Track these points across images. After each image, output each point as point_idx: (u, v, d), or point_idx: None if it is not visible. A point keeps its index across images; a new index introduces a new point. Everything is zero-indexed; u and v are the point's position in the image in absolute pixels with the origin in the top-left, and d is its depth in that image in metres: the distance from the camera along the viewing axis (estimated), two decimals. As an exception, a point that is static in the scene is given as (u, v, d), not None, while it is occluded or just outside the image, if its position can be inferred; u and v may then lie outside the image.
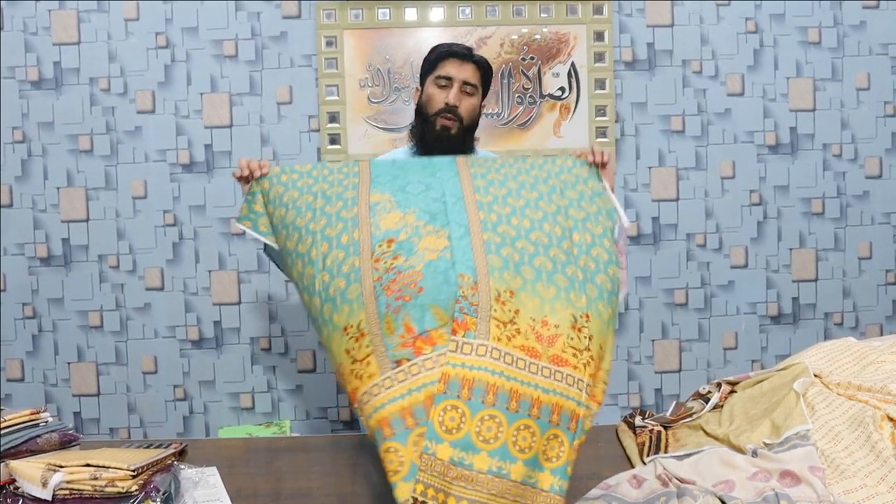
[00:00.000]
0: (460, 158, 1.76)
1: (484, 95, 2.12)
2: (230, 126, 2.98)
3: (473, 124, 2.08)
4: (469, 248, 1.46)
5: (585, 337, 1.43)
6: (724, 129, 3.07)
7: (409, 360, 1.34)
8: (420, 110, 2.09)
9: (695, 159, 3.08)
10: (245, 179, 1.83)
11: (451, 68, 2.03)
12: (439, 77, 2.03)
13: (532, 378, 1.36)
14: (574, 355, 1.41)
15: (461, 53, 2.05)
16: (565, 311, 1.45)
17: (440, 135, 2.01)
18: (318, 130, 2.99)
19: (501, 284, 1.43)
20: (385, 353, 1.35)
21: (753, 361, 3.14)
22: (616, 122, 3.04)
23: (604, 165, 1.81)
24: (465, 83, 2.03)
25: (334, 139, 2.97)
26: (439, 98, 2.03)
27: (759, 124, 3.08)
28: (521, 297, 1.43)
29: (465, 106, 2.03)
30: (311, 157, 2.99)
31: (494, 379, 1.33)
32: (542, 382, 1.36)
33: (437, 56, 2.05)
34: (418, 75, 2.18)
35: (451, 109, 2.00)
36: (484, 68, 2.09)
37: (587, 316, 1.46)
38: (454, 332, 1.35)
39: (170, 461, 1.56)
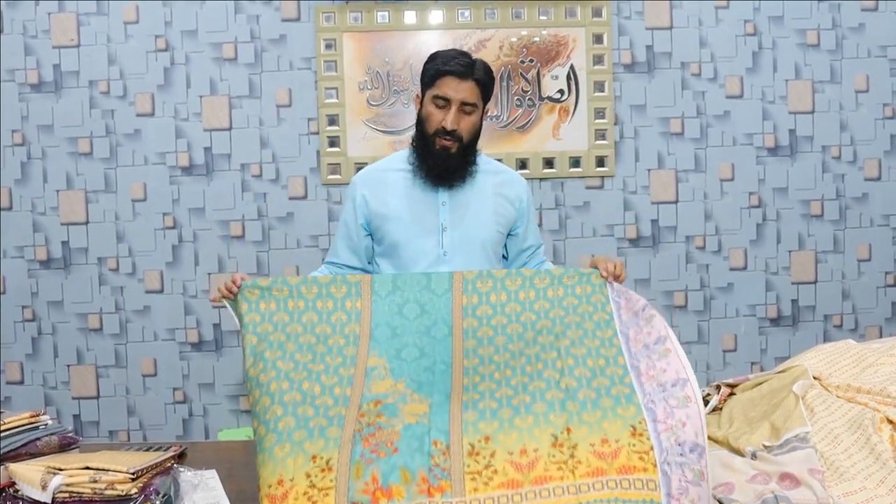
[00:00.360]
0: (457, 310, 1.71)
1: (486, 103, 2.04)
2: (230, 129, 2.99)
3: (474, 139, 2.02)
4: (447, 411, 1.52)
5: (568, 448, 1.45)
6: (724, 131, 3.08)
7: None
8: (420, 124, 2.02)
9: (694, 161, 3.08)
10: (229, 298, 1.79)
11: (449, 88, 1.93)
12: (437, 97, 1.95)
13: None
14: (559, 468, 1.42)
15: (459, 72, 1.93)
16: (544, 434, 1.47)
17: (440, 154, 1.95)
18: (317, 133, 2.99)
19: (475, 436, 1.47)
20: (346, 493, 1.40)
21: (753, 363, 3.14)
22: (615, 124, 3.04)
23: (617, 278, 1.79)
24: (464, 103, 1.94)
25: (334, 142, 2.98)
26: (437, 118, 1.95)
27: (759, 126, 3.08)
28: (497, 438, 1.47)
29: (465, 126, 1.96)
30: (311, 160, 2.99)
31: None
32: None
33: (435, 73, 1.96)
34: (418, 79, 2.14)
35: (449, 132, 1.94)
36: (483, 83, 1.98)
37: (568, 430, 1.47)
38: (430, 495, 1.39)
39: (169, 464, 1.56)
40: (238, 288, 1.73)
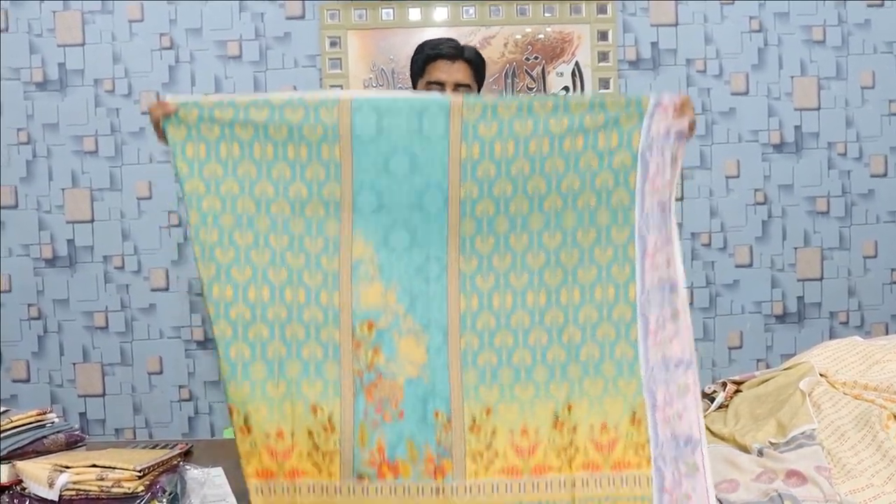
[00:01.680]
0: (454, 167, 1.45)
1: (479, 88, 2.04)
2: (234, 127, 2.98)
3: None
4: (446, 367, 1.44)
5: (568, 430, 1.43)
6: (729, 128, 3.07)
7: (370, 479, 1.39)
8: None
9: (699, 158, 3.07)
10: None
11: (441, 72, 1.94)
12: (430, 83, 1.95)
13: (516, 497, 1.41)
14: (557, 456, 1.42)
15: (449, 54, 1.94)
16: (545, 410, 1.44)
17: None
18: (322, 131, 2.98)
19: (477, 406, 1.43)
20: (352, 461, 1.39)
21: (759, 361, 3.13)
22: (620, 121, 3.03)
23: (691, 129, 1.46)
24: (458, 85, 1.94)
25: (338, 139, 2.97)
26: None
27: (764, 123, 3.07)
28: (498, 411, 1.44)
29: None
30: (316, 158, 2.99)
31: None
32: (526, 498, 1.41)
33: (425, 59, 1.96)
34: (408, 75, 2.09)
35: None
36: (475, 64, 1.99)
37: (569, 407, 1.44)
38: (435, 477, 1.40)
39: (176, 462, 1.57)
40: (168, 110, 1.49)
